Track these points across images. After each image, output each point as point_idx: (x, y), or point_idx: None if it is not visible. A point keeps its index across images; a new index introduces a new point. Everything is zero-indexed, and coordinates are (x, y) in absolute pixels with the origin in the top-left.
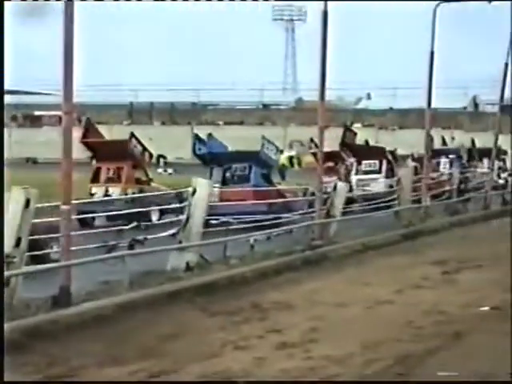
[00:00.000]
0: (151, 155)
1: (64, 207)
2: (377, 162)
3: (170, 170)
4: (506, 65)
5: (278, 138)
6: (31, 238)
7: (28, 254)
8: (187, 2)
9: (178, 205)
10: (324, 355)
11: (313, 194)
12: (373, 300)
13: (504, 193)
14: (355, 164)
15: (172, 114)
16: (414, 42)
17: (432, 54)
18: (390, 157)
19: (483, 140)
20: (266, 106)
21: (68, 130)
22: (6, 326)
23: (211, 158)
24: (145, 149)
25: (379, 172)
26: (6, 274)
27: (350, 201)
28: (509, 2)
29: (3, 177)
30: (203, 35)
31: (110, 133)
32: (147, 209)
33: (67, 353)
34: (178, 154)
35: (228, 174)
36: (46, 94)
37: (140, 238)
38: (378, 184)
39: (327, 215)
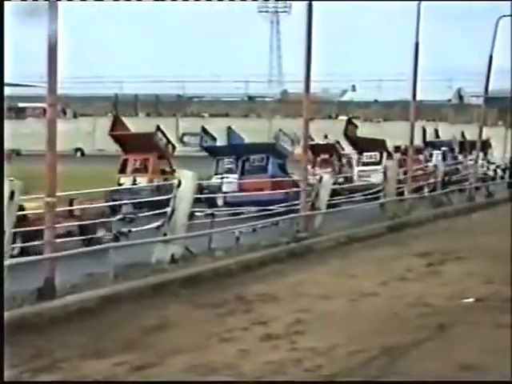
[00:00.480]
0: (174, 147)
1: (48, 199)
2: (377, 153)
3: None
4: (491, 57)
5: (263, 131)
6: (84, 223)
7: (82, 238)
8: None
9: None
10: (309, 347)
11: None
12: (358, 292)
13: (489, 184)
14: (357, 156)
15: (157, 105)
16: (398, 34)
17: (417, 45)
18: (390, 149)
19: (467, 132)
20: (251, 98)
21: (52, 121)
22: None
23: (231, 150)
24: (169, 141)
25: (380, 163)
26: None
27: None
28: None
29: (3, 176)
30: (188, 27)
31: (94, 125)
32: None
33: (51, 345)
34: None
35: (247, 165)
36: (30, 85)
37: (124, 230)
38: (379, 175)
39: (312, 207)
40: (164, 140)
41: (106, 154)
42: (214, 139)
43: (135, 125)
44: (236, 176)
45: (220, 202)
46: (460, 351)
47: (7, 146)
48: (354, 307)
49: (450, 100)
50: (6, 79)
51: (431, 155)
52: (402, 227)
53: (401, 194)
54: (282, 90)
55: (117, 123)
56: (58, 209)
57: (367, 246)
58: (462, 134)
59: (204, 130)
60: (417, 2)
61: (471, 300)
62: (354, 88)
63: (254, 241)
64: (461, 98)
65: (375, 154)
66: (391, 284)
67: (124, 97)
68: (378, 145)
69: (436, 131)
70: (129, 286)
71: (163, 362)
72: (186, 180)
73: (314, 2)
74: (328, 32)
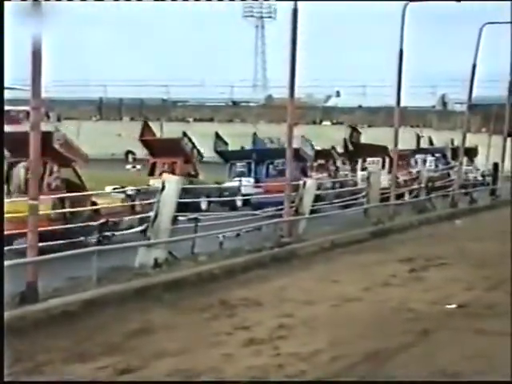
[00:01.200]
0: (199, 152)
1: (31, 202)
2: (380, 159)
3: (138, 166)
4: (475, 64)
5: (248, 135)
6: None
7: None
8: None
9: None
10: (292, 352)
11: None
12: (341, 297)
13: (472, 191)
14: (361, 161)
15: (141, 110)
16: (383, 40)
17: (401, 52)
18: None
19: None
20: (235, 103)
21: (36, 125)
22: None
23: (257, 154)
24: (194, 146)
25: (382, 168)
26: None
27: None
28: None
29: (3, 177)
30: (173, 32)
31: (79, 128)
32: (198, 200)
33: (34, 349)
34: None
35: (271, 168)
36: (14, 88)
37: (108, 233)
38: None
39: (296, 213)
40: (190, 145)
41: (89, 158)
42: (226, 144)
43: (122, 129)
44: (249, 179)
45: (239, 203)
46: (443, 357)
47: None
48: (337, 312)
49: (434, 106)
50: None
51: (425, 161)
52: (385, 233)
53: (385, 199)
54: (266, 95)
55: (145, 129)
56: (124, 204)
57: (351, 252)
58: (452, 142)
59: (217, 135)
60: (401, 9)
61: (454, 306)
62: (338, 94)
63: (238, 246)
64: (445, 104)
65: (378, 160)
66: (375, 289)
67: (108, 100)
68: (380, 151)
69: (430, 138)
70: (112, 289)
71: (147, 366)
72: (170, 184)
73: (299, 8)
74: (313, 38)
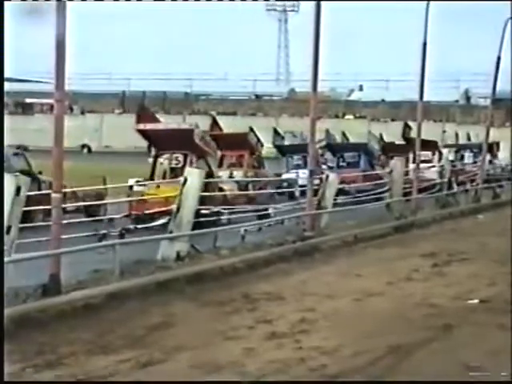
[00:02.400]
0: (262, 145)
1: (55, 195)
2: (429, 153)
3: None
4: (499, 58)
5: (270, 129)
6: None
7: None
8: None
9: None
10: (314, 346)
11: None
12: (363, 292)
13: (495, 186)
14: (412, 154)
15: (164, 103)
16: (406, 34)
17: (425, 45)
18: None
19: (475, 133)
20: (258, 97)
21: (60, 117)
22: None
23: (329, 148)
24: (258, 140)
25: (432, 161)
26: None
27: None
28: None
29: (3, 176)
30: (196, 25)
31: (101, 121)
32: (267, 191)
33: (56, 341)
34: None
35: (341, 161)
36: (38, 81)
37: (130, 226)
38: (431, 172)
39: (318, 206)
40: (255, 139)
41: (112, 151)
42: (283, 138)
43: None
44: (305, 171)
45: (297, 193)
46: (465, 352)
47: (15, 141)
48: (359, 307)
49: (457, 101)
50: (14, 75)
51: (462, 156)
52: (407, 227)
53: (407, 194)
54: (289, 89)
55: (214, 125)
56: (239, 192)
57: (373, 246)
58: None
59: (275, 130)
60: (425, 2)
61: (476, 301)
62: (361, 87)
63: (260, 239)
64: (468, 98)
65: (427, 154)
66: (397, 284)
67: (131, 94)
68: (430, 145)
69: (468, 135)
70: (134, 282)
71: (169, 359)
72: (193, 177)
73: (322, 2)
74: (336, 31)
